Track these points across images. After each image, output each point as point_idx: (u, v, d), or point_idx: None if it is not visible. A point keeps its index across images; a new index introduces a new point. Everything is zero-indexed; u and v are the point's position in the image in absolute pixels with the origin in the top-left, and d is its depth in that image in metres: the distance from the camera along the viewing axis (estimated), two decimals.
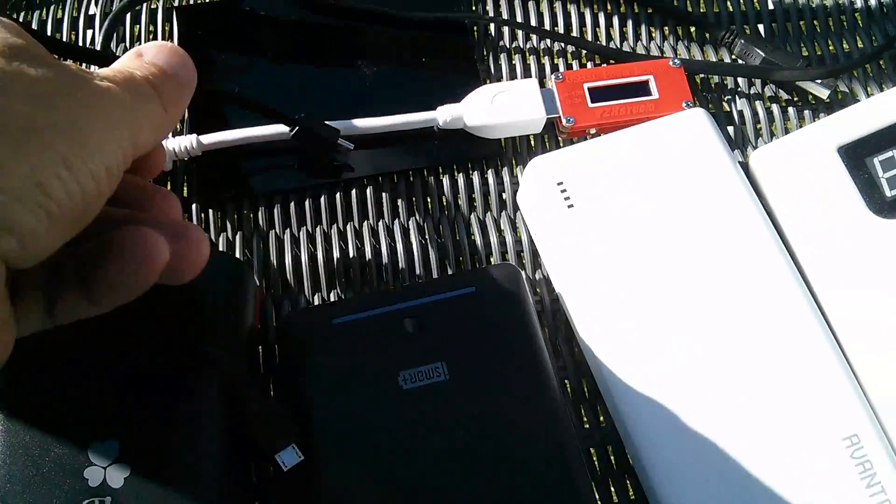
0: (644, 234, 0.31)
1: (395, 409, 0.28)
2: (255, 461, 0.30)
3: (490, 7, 0.39)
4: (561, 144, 0.36)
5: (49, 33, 0.37)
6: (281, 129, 0.33)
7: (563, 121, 0.34)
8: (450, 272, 0.34)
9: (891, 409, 0.30)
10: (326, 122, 0.33)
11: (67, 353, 0.27)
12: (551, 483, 0.28)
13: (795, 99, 0.38)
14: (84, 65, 0.32)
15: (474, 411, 0.28)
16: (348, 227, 0.34)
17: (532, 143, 0.36)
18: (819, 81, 0.37)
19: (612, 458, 0.31)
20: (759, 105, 0.37)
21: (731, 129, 0.37)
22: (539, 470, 0.28)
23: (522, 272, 0.31)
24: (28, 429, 0.26)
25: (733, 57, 0.39)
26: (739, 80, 0.38)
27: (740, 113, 0.37)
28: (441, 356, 0.29)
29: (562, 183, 0.32)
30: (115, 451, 0.26)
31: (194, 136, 0.33)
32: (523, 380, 0.29)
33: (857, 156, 0.32)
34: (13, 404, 0.27)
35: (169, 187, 0.34)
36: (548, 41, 0.38)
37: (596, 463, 0.31)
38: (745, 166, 0.34)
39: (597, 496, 0.29)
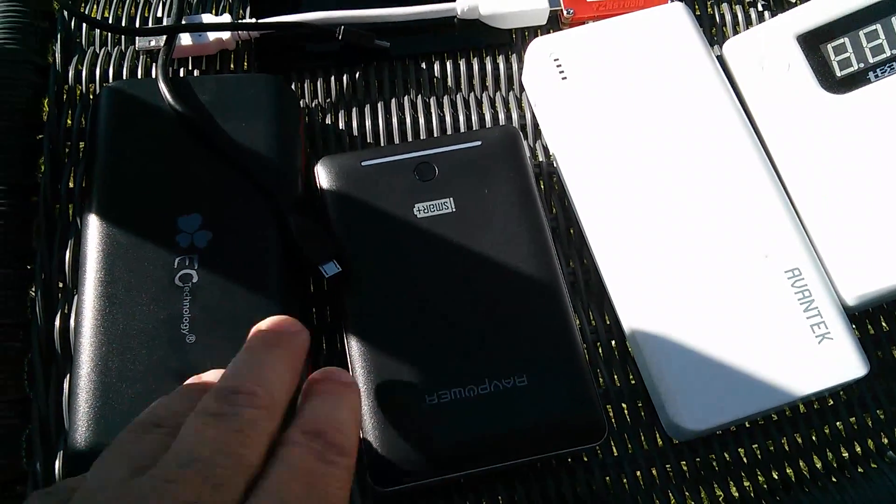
0: (626, 104, 0.37)
1: (411, 232, 0.35)
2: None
3: None
4: None
5: None
6: (328, 15, 0.40)
7: (565, 13, 0.40)
8: None
9: (829, 248, 0.35)
10: (362, 32, 0.40)
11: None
12: (536, 294, 0.34)
13: (772, 4, 0.43)
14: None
15: (475, 235, 0.35)
16: (379, 102, 0.40)
17: (539, 35, 0.42)
18: None
19: (588, 283, 0.37)
20: (738, 9, 0.43)
21: (713, 29, 0.43)
22: (526, 283, 0.34)
23: (521, 133, 0.37)
24: (126, 205, 0.34)
25: None
26: None
27: (722, 16, 0.43)
28: (450, 193, 0.36)
29: (558, 59, 0.38)
30: (198, 222, 0.33)
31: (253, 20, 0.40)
32: (518, 210, 0.35)
33: (812, 42, 0.37)
34: (114, 183, 0.34)
35: (232, 63, 0.41)
36: None
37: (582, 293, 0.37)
38: (721, 59, 0.40)
39: (567, 293, 0.35)
